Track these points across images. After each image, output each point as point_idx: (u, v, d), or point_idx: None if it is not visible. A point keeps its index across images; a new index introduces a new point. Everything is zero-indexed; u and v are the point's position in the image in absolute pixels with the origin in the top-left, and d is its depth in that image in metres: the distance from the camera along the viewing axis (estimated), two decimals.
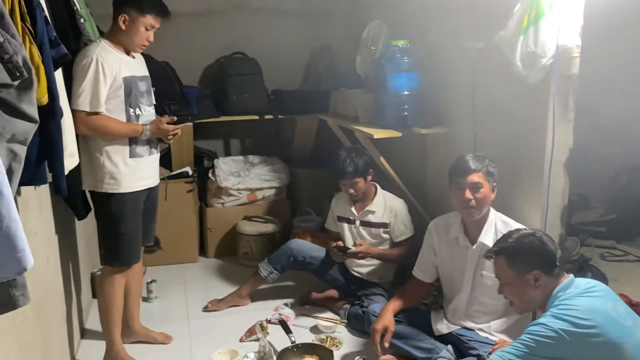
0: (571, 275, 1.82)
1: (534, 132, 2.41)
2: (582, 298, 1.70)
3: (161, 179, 3.50)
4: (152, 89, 2.54)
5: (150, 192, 2.50)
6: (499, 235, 2.24)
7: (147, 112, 2.42)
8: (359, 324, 2.80)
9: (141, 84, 2.39)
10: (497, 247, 1.89)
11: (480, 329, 2.37)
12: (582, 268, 3.09)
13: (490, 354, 2.16)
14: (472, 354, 2.28)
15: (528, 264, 1.79)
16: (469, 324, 2.40)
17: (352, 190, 2.94)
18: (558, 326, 1.63)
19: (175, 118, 2.42)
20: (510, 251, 1.84)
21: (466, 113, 2.86)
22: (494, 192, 2.32)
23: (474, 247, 2.33)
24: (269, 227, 3.79)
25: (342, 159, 2.91)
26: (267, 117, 4.03)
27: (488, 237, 2.29)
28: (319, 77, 4.24)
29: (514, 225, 2.26)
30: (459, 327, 2.43)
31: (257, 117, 4.00)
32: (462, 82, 2.88)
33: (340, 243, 2.95)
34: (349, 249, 2.91)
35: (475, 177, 2.26)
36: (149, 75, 2.50)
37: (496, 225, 2.32)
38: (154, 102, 2.52)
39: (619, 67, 4.05)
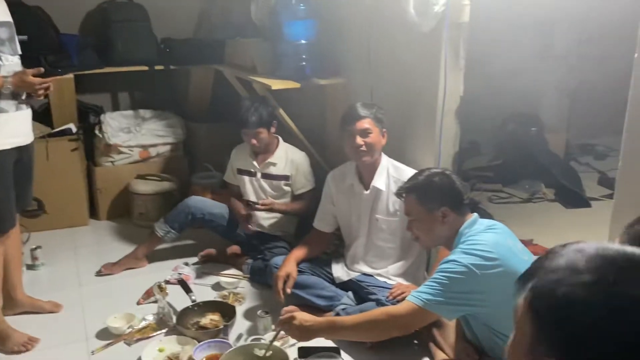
0: (476, 214, 1.89)
1: (427, 80, 2.44)
2: (487, 234, 1.78)
3: (41, 137, 3.22)
4: (22, 37, 2.26)
5: (22, 151, 2.24)
6: (391, 180, 2.34)
7: (10, 62, 2.14)
8: (262, 278, 2.79)
9: (1, 30, 2.10)
10: (408, 185, 1.92)
11: (379, 274, 2.44)
12: (472, 211, 3.26)
13: (387, 299, 2.24)
14: (372, 299, 2.34)
15: (437, 201, 1.84)
16: (368, 270, 2.46)
17: (254, 141, 2.85)
18: (468, 261, 1.69)
19: (42, 70, 2.15)
20: (420, 189, 1.87)
21: (363, 63, 2.84)
22: (385, 138, 2.38)
23: (368, 192, 2.38)
24: (165, 186, 3.62)
25: (246, 107, 2.81)
26: (157, 67, 3.77)
27: (380, 182, 2.36)
28: (213, 25, 4.02)
29: (406, 170, 2.34)
30: (359, 273, 2.48)
31: (146, 68, 3.73)
32: (358, 31, 2.85)
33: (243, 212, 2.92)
34: (256, 203, 2.88)
35: (364, 124, 2.31)
36: (13, 21, 2.20)
37: (388, 170, 2.39)
38: (19, 52, 2.23)
39: (508, 18, 4.21)
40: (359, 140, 2.31)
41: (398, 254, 2.42)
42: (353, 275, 2.49)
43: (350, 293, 2.47)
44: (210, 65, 3.79)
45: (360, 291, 2.46)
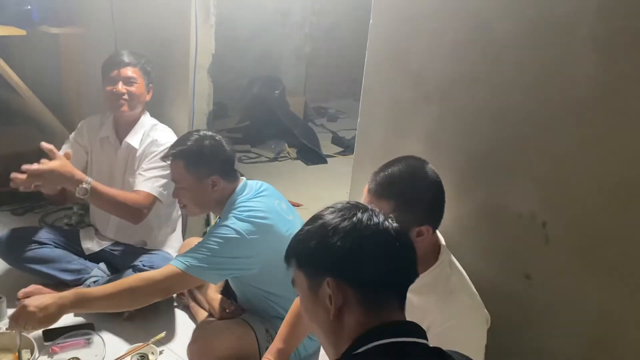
0: (244, 179, 1.88)
1: (178, 35, 2.35)
2: (257, 199, 1.80)
3: None
4: None
5: None
6: (147, 140, 2.19)
7: None
8: None
9: None
10: (175, 149, 1.79)
11: (134, 241, 2.30)
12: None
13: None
14: (128, 267, 2.20)
15: (208, 169, 1.76)
16: (121, 238, 2.30)
17: None
18: (239, 227, 1.70)
19: None
20: (189, 155, 1.76)
21: (104, 11, 2.58)
22: (150, 94, 2.25)
23: (122, 147, 2.22)
24: None
25: None
26: None
27: (135, 139, 2.21)
28: None
29: (165, 130, 2.23)
30: (111, 242, 2.30)
31: None
32: None
33: None
34: None
35: (129, 71, 2.15)
36: None
37: (146, 129, 2.23)
38: None
39: None
40: (121, 87, 2.13)
41: (154, 219, 2.28)
42: (105, 244, 2.30)
43: (102, 264, 2.29)
44: None
45: (114, 261, 2.29)
